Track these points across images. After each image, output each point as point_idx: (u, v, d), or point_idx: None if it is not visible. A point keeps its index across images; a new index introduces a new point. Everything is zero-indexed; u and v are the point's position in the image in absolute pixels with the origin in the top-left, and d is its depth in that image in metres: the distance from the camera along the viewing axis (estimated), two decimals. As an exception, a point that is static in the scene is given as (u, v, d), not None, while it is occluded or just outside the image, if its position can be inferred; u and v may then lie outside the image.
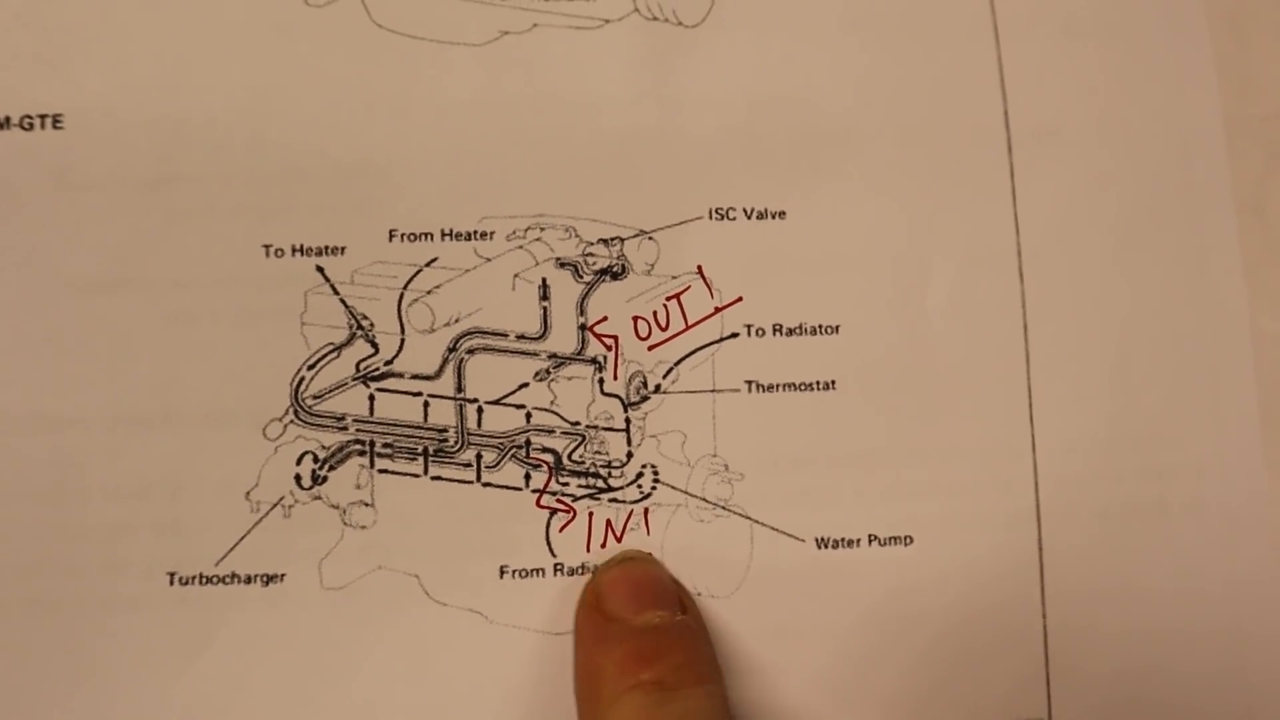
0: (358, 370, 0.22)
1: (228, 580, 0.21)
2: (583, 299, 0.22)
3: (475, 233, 0.22)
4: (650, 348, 0.22)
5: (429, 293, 0.22)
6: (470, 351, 0.22)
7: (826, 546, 0.22)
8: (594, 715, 0.19)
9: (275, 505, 0.21)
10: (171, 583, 0.21)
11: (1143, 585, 0.23)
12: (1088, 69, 0.24)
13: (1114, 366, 0.23)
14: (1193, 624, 0.23)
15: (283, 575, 0.21)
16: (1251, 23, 0.26)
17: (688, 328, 0.22)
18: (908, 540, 0.22)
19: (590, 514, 0.22)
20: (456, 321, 0.22)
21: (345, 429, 0.22)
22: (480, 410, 0.22)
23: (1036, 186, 0.24)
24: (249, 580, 0.21)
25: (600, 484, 0.22)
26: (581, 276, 0.22)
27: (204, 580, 0.21)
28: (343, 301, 0.22)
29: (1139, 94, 0.24)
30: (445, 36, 0.23)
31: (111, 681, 0.20)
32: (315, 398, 0.22)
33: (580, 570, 0.22)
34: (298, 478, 0.21)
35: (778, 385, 0.22)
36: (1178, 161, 0.24)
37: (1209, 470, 0.24)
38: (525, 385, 0.22)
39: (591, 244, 0.22)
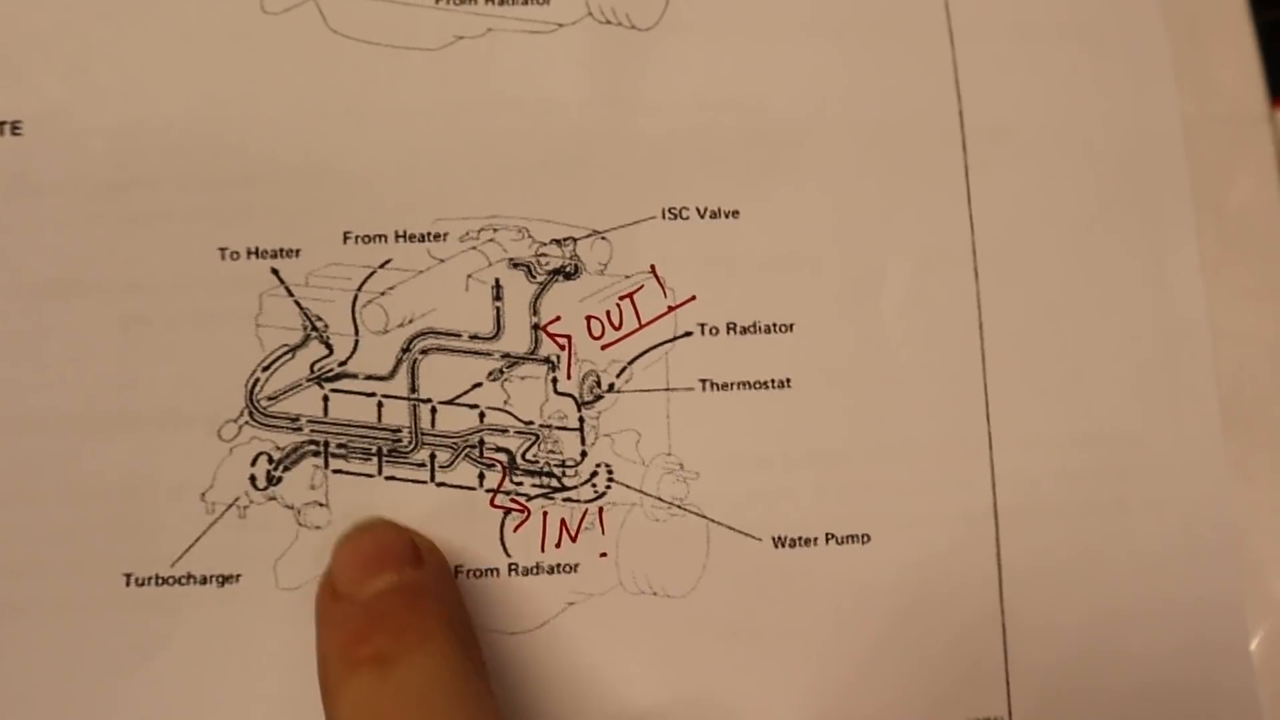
0: (312, 371, 0.22)
1: (183, 581, 0.21)
2: (536, 299, 0.22)
3: (429, 234, 0.22)
4: (604, 347, 0.22)
5: (383, 294, 0.22)
6: (424, 352, 0.22)
7: (784, 545, 0.22)
8: (327, 709, 0.18)
9: (230, 506, 0.21)
10: (128, 584, 0.21)
11: (1102, 583, 0.23)
12: (1043, 69, 0.24)
13: (1072, 365, 0.23)
14: (1152, 622, 0.23)
15: (238, 576, 0.21)
16: (1207, 22, 0.26)
17: (641, 327, 0.22)
18: (865, 539, 0.22)
19: (544, 514, 0.22)
20: (410, 322, 0.22)
21: (300, 430, 0.22)
22: (434, 410, 0.22)
23: (992, 186, 0.24)
24: (205, 581, 0.21)
25: (554, 483, 0.22)
26: (534, 277, 0.22)
27: (160, 581, 0.21)
28: (297, 303, 0.22)
29: (1095, 94, 0.25)
30: (400, 42, 0.23)
31: (67, 682, 0.20)
32: (270, 399, 0.22)
33: (535, 570, 0.22)
34: (253, 479, 0.22)
35: (732, 384, 0.22)
36: (1135, 160, 0.24)
37: (1168, 468, 0.23)
38: (479, 385, 0.22)
39: (544, 244, 0.23)
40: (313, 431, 0.22)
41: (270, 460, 0.22)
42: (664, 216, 0.23)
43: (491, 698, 0.19)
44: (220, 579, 0.21)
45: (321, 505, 0.22)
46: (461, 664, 0.18)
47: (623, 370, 0.22)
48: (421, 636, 0.18)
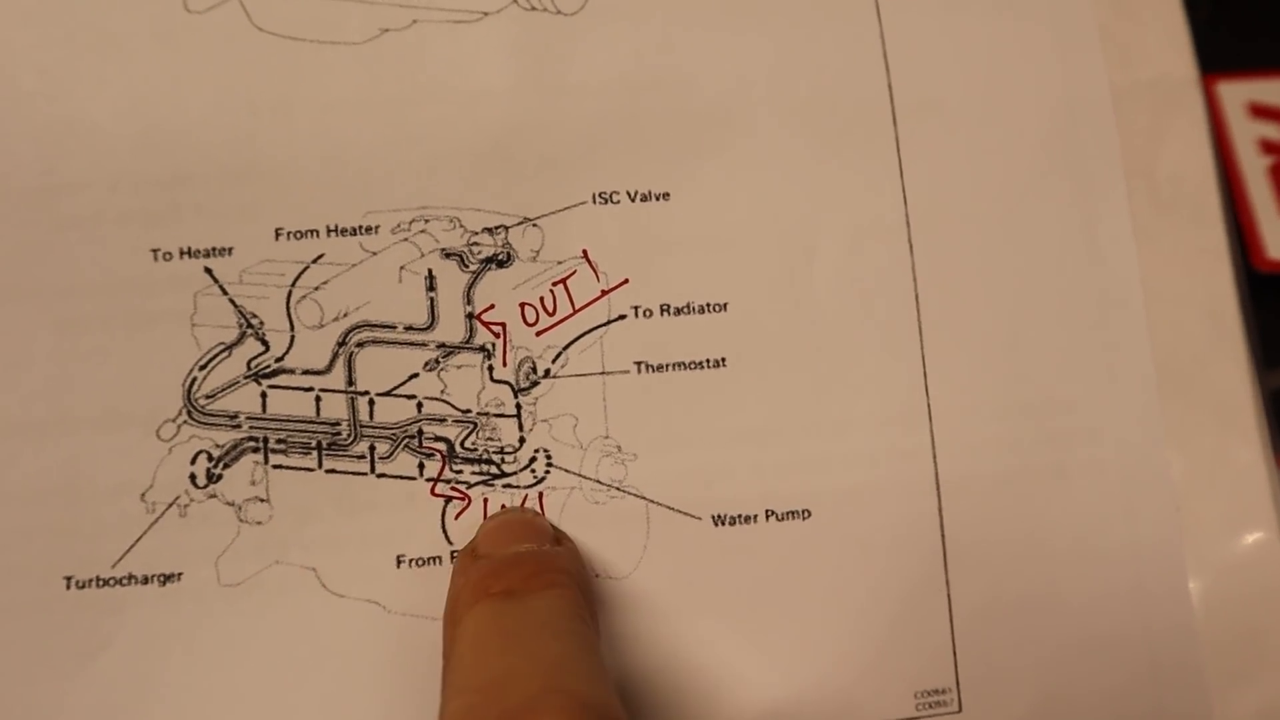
0: (249, 368, 0.22)
1: (125, 581, 0.21)
2: (469, 288, 0.22)
3: (360, 228, 0.22)
4: (538, 333, 0.22)
5: (317, 289, 0.22)
6: (360, 345, 0.22)
7: (724, 523, 0.22)
8: (450, 637, 0.19)
9: (171, 505, 0.21)
10: (69, 586, 0.21)
11: (1044, 549, 0.23)
12: (971, 40, 0.25)
13: (1008, 333, 0.24)
14: (1094, 585, 0.23)
15: (180, 574, 0.21)
16: (1133, -12, 0.26)
17: (575, 312, 0.23)
18: (805, 514, 0.23)
19: (485, 500, 0.22)
20: (345, 316, 0.22)
21: (239, 427, 0.22)
22: (372, 402, 0.22)
23: (923, 158, 0.24)
24: (146, 580, 0.21)
25: (494, 470, 0.22)
26: (467, 266, 0.23)
27: (101, 583, 0.21)
28: (232, 301, 0.22)
29: (1023, 63, 0.25)
30: (326, 36, 0.23)
31: (10, 685, 0.21)
32: (208, 397, 0.22)
33: (477, 557, 0.22)
34: (192, 477, 0.22)
35: (667, 365, 0.23)
36: (1065, 128, 0.25)
37: (1106, 433, 0.24)
38: (415, 376, 0.22)
39: (476, 233, 0.23)
40: (252, 428, 0.22)
41: (210, 458, 0.22)
42: (595, 201, 0.23)
43: (599, 648, 0.20)
44: (162, 578, 0.21)
45: (262, 500, 0.22)
46: (581, 610, 0.20)
47: (558, 356, 0.22)
48: (549, 583, 0.20)
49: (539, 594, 0.19)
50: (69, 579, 0.21)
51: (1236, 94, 0.36)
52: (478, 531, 0.21)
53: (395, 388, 0.22)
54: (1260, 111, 0.35)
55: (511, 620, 0.19)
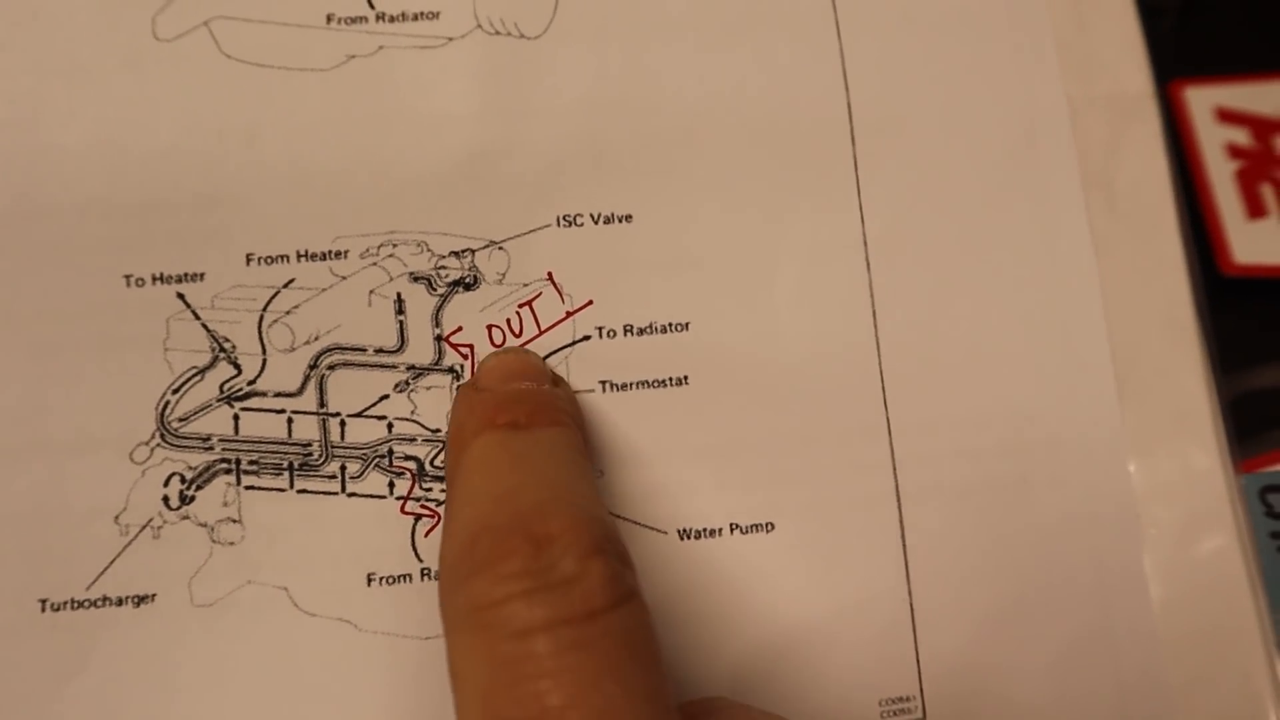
0: (221, 391, 0.22)
1: (99, 604, 0.21)
2: (437, 311, 0.23)
3: (330, 252, 0.23)
4: (506, 354, 0.23)
5: (288, 313, 0.23)
6: (331, 367, 0.23)
7: (689, 537, 0.23)
8: (455, 463, 0.20)
9: (144, 527, 0.22)
10: (43, 609, 0.21)
11: (1006, 559, 0.24)
12: (929, 59, 0.25)
13: (967, 346, 0.24)
14: (1057, 596, 0.24)
15: (153, 595, 0.22)
16: (1088, 5, 0.26)
17: (541, 333, 0.23)
18: (769, 527, 0.23)
19: (454, 519, 0.22)
20: (316, 339, 0.23)
21: (211, 449, 0.22)
22: (343, 423, 0.23)
23: (881, 176, 0.24)
24: (120, 602, 0.22)
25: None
26: (435, 289, 0.23)
27: (75, 605, 0.21)
28: (204, 326, 0.23)
29: (981, 79, 0.25)
30: (294, 63, 0.23)
31: (-12, 708, 0.21)
32: (181, 420, 0.22)
33: (447, 574, 0.22)
34: (166, 499, 0.22)
35: (631, 384, 0.23)
36: (1022, 143, 0.25)
37: (1068, 444, 0.24)
38: (386, 397, 0.23)
39: (443, 257, 0.23)
40: (224, 450, 0.22)
41: (183, 480, 0.22)
42: (559, 224, 0.23)
43: (598, 486, 0.21)
44: (136, 599, 0.22)
45: (234, 521, 0.22)
46: (583, 449, 0.21)
47: (525, 375, 0.23)
48: (552, 419, 0.20)
49: (543, 429, 0.20)
50: (44, 602, 0.21)
51: (1203, 99, 0.36)
52: (479, 366, 0.22)
53: (366, 409, 0.23)
54: (1227, 116, 0.36)
55: (519, 446, 0.19)
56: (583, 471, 0.20)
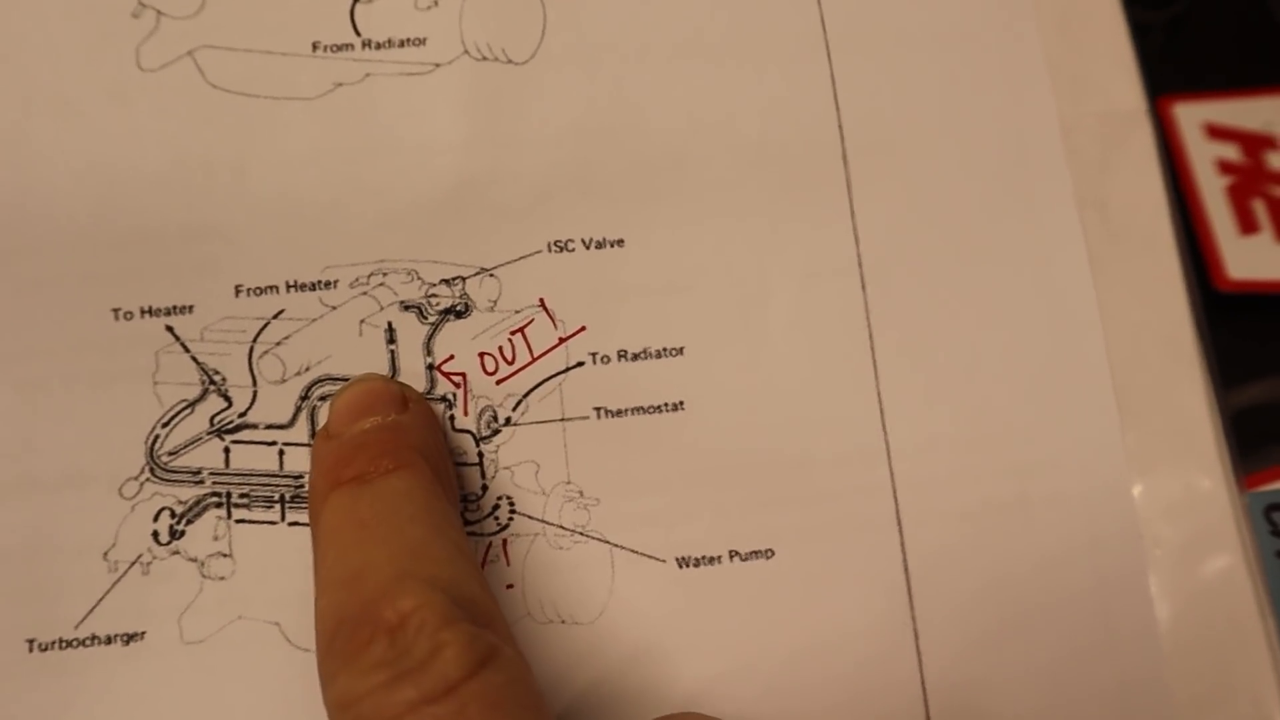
0: (212, 424, 0.22)
1: (88, 643, 0.21)
2: (429, 340, 0.23)
3: (319, 283, 0.23)
4: (498, 382, 0.23)
5: (278, 344, 0.22)
6: (322, 398, 0.22)
7: (688, 565, 0.23)
8: (313, 529, 0.20)
9: (134, 563, 0.21)
10: (30, 650, 0.21)
11: (1009, 581, 0.23)
12: (920, 79, 0.25)
13: (965, 368, 0.24)
14: (1061, 617, 0.23)
15: (143, 633, 0.21)
16: (1079, 23, 0.26)
17: (534, 360, 0.23)
18: (769, 553, 0.23)
19: (448, 550, 0.22)
20: (307, 370, 0.22)
21: (202, 483, 0.22)
22: (334, 455, 0.22)
23: (874, 197, 0.24)
24: (109, 640, 0.21)
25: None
26: (426, 318, 0.23)
27: (63, 645, 0.21)
28: (194, 359, 0.22)
29: (973, 99, 0.25)
30: (279, 93, 0.23)
31: (-26, 752, 0.21)
32: (171, 454, 0.22)
33: (442, 607, 0.22)
34: (155, 534, 0.22)
35: (626, 410, 0.23)
36: (1015, 163, 0.25)
37: (1068, 463, 0.24)
38: (377, 428, 0.22)
39: (434, 285, 0.23)
40: (215, 483, 0.22)
41: (173, 515, 0.22)
42: (550, 250, 0.23)
43: (460, 521, 0.21)
44: (125, 637, 0.21)
45: (225, 556, 0.22)
46: (433, 487, 0.20)
47: (518, 404, 0.23)
48: (398, 462, 0.20)
49: (389, 477, 0.20)
50: (31, 642, 0.21)
51: (1193, 115, 0.36)
52: (330, 406, 0.22)
53: (357, 440, 0.22)
54: (1217, 133, 0.36)
55: (365, 508, 0.19)
56: (437, 521, 0.19)
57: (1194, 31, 0.38)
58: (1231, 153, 0.36)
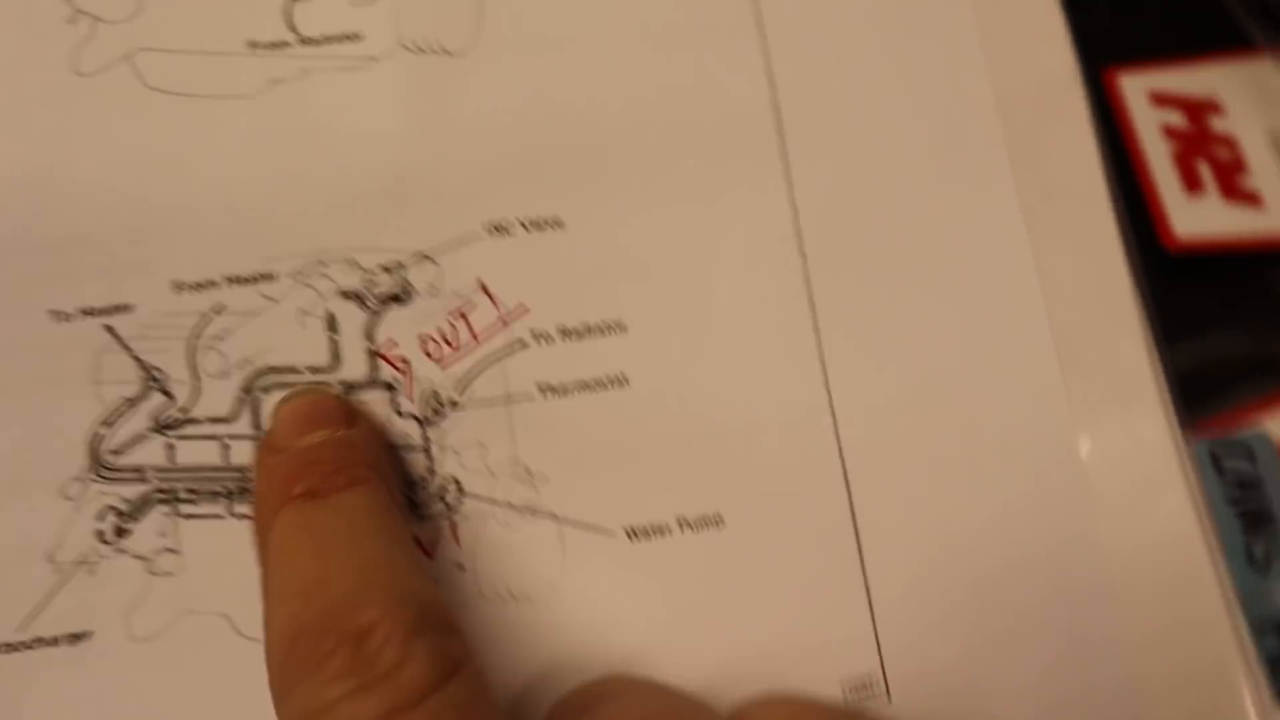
0: (154, 421, 0.22)
1: (33, 645, 0.21)
2: (370, 327, 0.23)
3: (259, 275, 0.23)
4: (443, 366, 0.23)
5: (219, 338, 0.22)
6: (265, 390, 0.22)
7: (638, 538, 0.22)
8: (261, 543, 0.20)
9: (79, 564, 0.21)
10: (-25, 655, 0.21)
11: (960, 538, 0.23)
12: (853, 50, 0.25)
13: (906, 330, 0.24)
14: (1012, 569, 0.23)
15: (90, 632, 0.21)
16: (1006, -10, 0.27)
17: (477, 342, 0.23)
18: (719, 520, 0.23)
19: (398, 535, 0.22)
20: (248, 363, 0.22)
21: (146, 480, 0.22)
22: (279, 446, 0.22)
23: (811, 169, 0.24)
24: (55, 642, 0.21)
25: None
26: (367, 305, 0.23)
27: (8, 649, 0.21)
28: (134, 357, 0.22)
29: (907, 69, 0.25)
30: (217, 91, 0.23)
31: (-78, 761, 0.20)
32: (114, 453, 0.22)
33: (394, 592, 0.22)
34: (100, 533, 0.22)
35: (570, 387, 0.23)
36: (951, 129, 0.25)
37: (1013, 417, 0.24)
38: (322, 416, 0.22)
39: (374, 272, 0.23)
40: (160, 480, 0.22)
41: (118, 513, 0.22)
42: (489, 233, 0.23)
43: (411, 537, 0.21)
44: (71, 638, 0.21)
45: (173, 551, 0.22)
46: (389, 503, 0.20)
47: (463, 386, 0.23)
48: (351, 480, 0.20)
49: (342, 493, 0.19)
50: (-24, 648, 0.21)
51: (1138, 84, 0.37)
52: (273, 414, 0.21)
53: (301, 429, 0.22)
54: (1161, 100, 0.36)
55: (319, 522, 0.19)
56: (393, 536, 0.19)
57: (1137, 3, 0.39)
58: (1176, 119, 0.36)
